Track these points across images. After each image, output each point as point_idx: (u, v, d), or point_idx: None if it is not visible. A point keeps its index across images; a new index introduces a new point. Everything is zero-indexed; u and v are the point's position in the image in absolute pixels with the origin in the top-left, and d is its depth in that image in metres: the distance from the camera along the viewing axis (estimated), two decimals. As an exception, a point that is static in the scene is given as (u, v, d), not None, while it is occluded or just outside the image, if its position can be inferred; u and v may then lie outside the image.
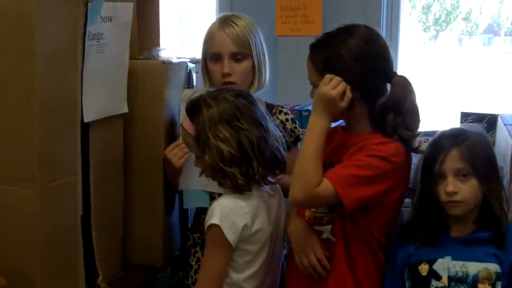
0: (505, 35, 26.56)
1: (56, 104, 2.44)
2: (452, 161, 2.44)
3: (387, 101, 2.49)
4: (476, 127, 2.62)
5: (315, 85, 2.50)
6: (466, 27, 25.70)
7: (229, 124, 2.39)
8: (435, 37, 25.74)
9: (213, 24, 2.98)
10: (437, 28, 25.28)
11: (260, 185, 2.49)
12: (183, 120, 2.53)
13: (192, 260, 3.03)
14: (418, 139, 2.53)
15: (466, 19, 25.26)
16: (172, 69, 2.98)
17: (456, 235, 2.50)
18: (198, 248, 3.02)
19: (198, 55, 3.14)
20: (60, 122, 2.48)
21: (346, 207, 2.37)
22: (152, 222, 3.01)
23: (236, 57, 2.92)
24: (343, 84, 2.39)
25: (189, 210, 3.23)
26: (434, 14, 24.78)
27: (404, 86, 2.48)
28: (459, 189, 2.43)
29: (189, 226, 3.22)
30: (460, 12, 25.06)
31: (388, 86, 2.53)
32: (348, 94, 2.39)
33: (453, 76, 19.74)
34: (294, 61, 4.34)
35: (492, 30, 26.74)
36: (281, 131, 2.60)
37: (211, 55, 2.95)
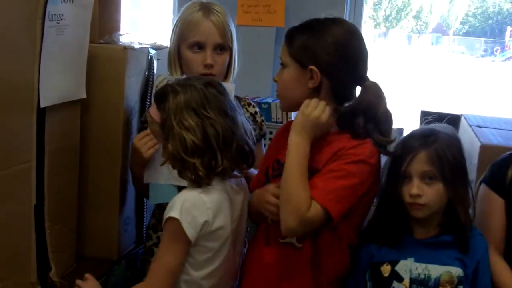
0: (454, 34, 26.91)
1: (10, 86, 2.32)
2: (419, 163, 2.39)
3: (355, 105, 2.41)
4: (448, 128, 2.55)
5: (285, 66, 2.44)
6: (416, 25, 26.00)
7: (195, 112, 2.29)
8: (385, 34, 25.99)
9: (193, 10, 2.86)
10: (387, 25, 25.54)
11: (225, 178, 2.38)
12: (151, 107, 2.43)
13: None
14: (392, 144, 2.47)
15: (416, 17, 25.56)
16: (134, 55, 2.86)
17: (420, 237, 2.45)
18: None
19: (160, 42, 3.03)
20: (14, 106, 2.36)
21: (335, 220, 2.30)
22: (107, 214, 2.90)
23: (217, 49, 2.83)
24: (328, 108, 2.34)
25: (145, 203, 3.13)
26: (385, 11, 25.00)
27: (376, 92, 2.41)
28: (423, 192, 2.38)
29: (145, 220, 3.12)
30: (411, 10, 25.35)
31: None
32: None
33: (402, 73, 19.95)
34: (254, 52, 4.28)
35: (440, 29, 27.07)
36: (251, 124, 2.53)
37: (192, 43, 2.82)
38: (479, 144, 2.95)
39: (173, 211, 2.27)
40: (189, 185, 2.35)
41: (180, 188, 2.44)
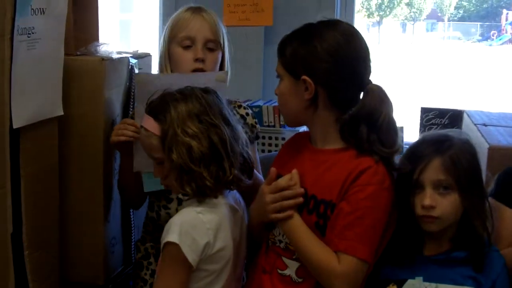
0: (448, 20, 26.78)
1: None
2: (433, 171, 2.19)
3: (357, 111, 2.22)
4: (461, 133, 2.35)
5: (281, 79, 2.28)
6: (410, 12, 25.87)
7: (198, 120, 2.17)
8: (379, 23, 25.85)
9: (181, 13, 2.75)
10: (381, 13, 25.39)
11: (231, 188, 2.27)
12: (145, 121, 2.25)
13: (146, 274, 2.72)
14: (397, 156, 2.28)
15: (409, 4, 25.43)
16: (112, 66, 2.71)
17: (430, 254, 2.25)
18: (152, 259, 2.72)
19: (142, 49, 2.88)
20: None
21: (370, 262, 2.17)
22: (91, 235, 2.75)
23: (209, 46, 2.71)
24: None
25: (132, 220, 2.98)
26: (377, -1, 24.89)
27: (379, 97, 2.21)
28: (437, 203, 2.17)
29: (133, 238, 2.97)
30: (404, -3, 25.24)
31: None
32: None
33: (398, 64, 19.80)
34: (243, 53, 4.13)
35: (435, 16, 26.94)
36: (242, 127, 2.40)
37: (182, 39, 2.70)
38: (487, 145, 2.77)
39: (171, 235, 2.13)
40: (191, 199, 2.23)
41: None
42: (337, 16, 4.38)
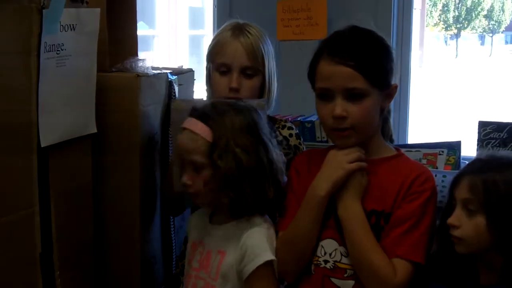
0: (529, 32, 26.29)
1: (6, 126, 2.15)
2: (462, 189, 2.04)
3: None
4: None
5: (364, 95, 2.13)
6: (488, 24, 25.45)
7: (250, 135, 2.16)
8: (457, 35, 25.52)
9: (223, 31, 2.69)
10: (459, 26, 25.07)
11: (262, 212, 2.25)
12: (193, 124, 2.18)
13: None
14: None
15: (487, 16, 25.01)
16: (148, 82, 2.65)
17: (485, 283, 2.07)
18: None
19: (187, 65, 2.83)
20: (11, 148, 2.18)
21: (424, 263, 2.13)
22: (128, 255, 2.69)
23: (246, 72, 2.63)
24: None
25: (173, 236, 2.92)
26: (454, 12, 24.56)
27: None
28: (461, 223, 2.01)
29: (174, 254, 2.91)
30: (482, 9, 24.83)
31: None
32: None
33: (475, 77, 19.44)
34: (297, 67, 4.03)
35: (515, 28, 26.48)
36: (284, 148, 2.46)
37: (219, 65, 2.64)
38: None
39: (265, 254, 2.15)
40: (241, 222, 2.21)
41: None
42: (393, 30, 4.28)
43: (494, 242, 1.98)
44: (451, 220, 2.03)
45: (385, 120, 2.27)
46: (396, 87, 2.19)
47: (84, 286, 2.54)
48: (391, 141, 2.35)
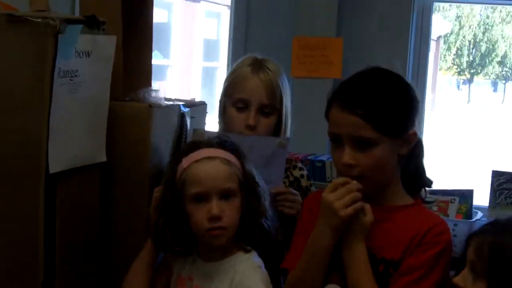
0: (542, 80, 26.28)
1: (15, 150, 2.19)
2: (471, 250, 1.95)
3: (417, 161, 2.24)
4: None
5: (374, 144, 2.07)
6: (502, 71, 25.44)
7: None
8: (470, 80, 25.51)
9: (243, 65, 2.67)
10: (472, 71, 25.07)
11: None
12: (222, 153, 2.16)
13: None
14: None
15: (501, 63, 25.01)
16: (161, 113, 2.61)
17: None
18: None
19: (199, 96, 2.80)
20: (19, 172, 2.19)
21: None
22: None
23: (264, 110, 2.61)
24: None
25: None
26: (468, 57, 24.56)
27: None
28: (465, 285, 1.93)
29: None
30: (496, 55, 24.81)
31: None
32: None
33: (487, 124, 19.38)
34: (310, 105, 4.02)
35: (528, 75, 26.46)
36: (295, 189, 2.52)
37: (237, 100, 2.63)
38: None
39: None
40: (238, 254, 2.18)
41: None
42: (409, 71, 4.27)
43: None
44: (456, 279, 1.96)
45: (409, 165, 2.21)
46: (414, 133, 2.13)
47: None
48: (429, 185, 2.28)
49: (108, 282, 2.58)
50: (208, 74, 11.44)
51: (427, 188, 2.28)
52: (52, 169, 2.22)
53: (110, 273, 2.59)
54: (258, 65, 2.64)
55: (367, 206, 2.07)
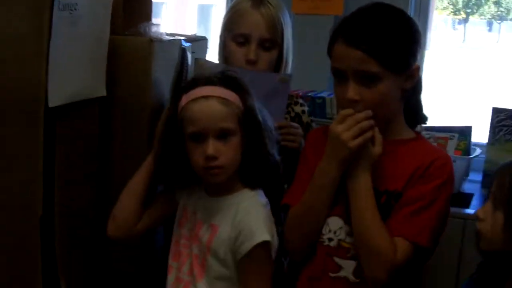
0: (538, 21, 26.16)
1: (13, 84, 2.17)
2: (494, 182, 1.96)
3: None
4: None
5: (378, 79, 2.05)
6: (497, 11, 25.29)
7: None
8: (465, 20, 25.37)
9: (243, 0, 2.61)
10: (468, 11, 24.92)
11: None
12: (219, 90, 2.11)
13: None
14: None
15: (497, 3, 24.87)
16: (162, 48, 2.56)
17: None
18: None
19: (200, 32, 2.76)
20: (17, 106, 2.18)
21: (429, 247, 2.07)
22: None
23: (265, 44, 2.56)
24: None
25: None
26: (464, -4, 24.42)
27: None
28: (485, 217, 1.94)
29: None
30: (492, -5, 24.70)
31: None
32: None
33: (483, 63, 19.32)
34: (311, 42, 3.98)
35: (523, 16, 26.34)
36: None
37: (237, 35, 2.58)
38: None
39: (262, 235, 2.06)
40: (241, 192, 2.17)
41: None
42: (412, 9, 4.21)
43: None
44: (478, 212, 1.96)
45: (409, 100, 2.20)
46: (417, 68, 2.12)
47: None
48: (424, 122, 2.29)
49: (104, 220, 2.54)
50: (203, 11, 11.33)
51: (425, 124, 2.33)
52: (52, 103, 2.19)
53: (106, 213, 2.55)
54: (258, 0, 2.59)
55: (378, 137, 2.06)
